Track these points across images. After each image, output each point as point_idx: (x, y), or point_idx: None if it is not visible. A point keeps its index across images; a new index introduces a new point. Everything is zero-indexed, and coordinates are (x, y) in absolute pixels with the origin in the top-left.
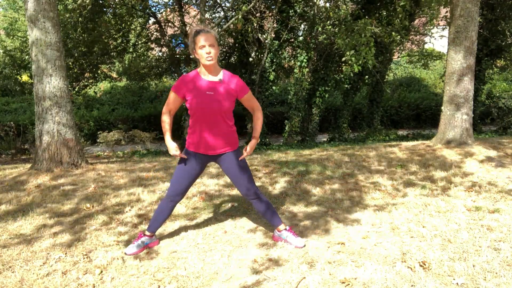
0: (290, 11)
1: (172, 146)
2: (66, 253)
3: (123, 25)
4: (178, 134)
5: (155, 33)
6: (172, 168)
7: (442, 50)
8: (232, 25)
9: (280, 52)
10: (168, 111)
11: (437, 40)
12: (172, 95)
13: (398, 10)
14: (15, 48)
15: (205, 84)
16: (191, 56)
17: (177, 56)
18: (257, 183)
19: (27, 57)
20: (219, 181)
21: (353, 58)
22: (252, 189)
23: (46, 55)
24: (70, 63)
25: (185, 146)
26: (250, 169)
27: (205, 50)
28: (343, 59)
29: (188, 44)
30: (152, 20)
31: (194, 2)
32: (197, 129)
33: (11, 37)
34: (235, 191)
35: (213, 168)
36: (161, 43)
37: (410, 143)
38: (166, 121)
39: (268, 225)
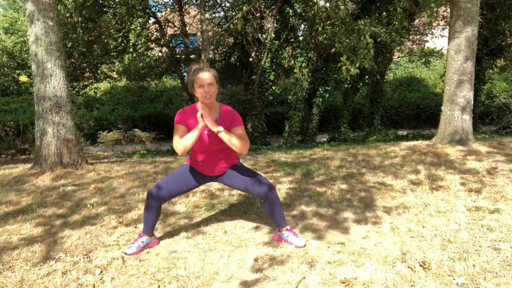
0: (290, 11)
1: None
2: (66, 253)
3: (123, 25)
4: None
5: (155, 33)
6: (172, 168)
7: (442, 50)
8: (232, 25)
9: (280, 52)
10: (180, 137)
11: (438, 39)
12: (180, 128)
13: (398, 10)
14: (14, 44)
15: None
16: (191, 57)
17: (177, 56)
18: None
19: (26, 55)
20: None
21: (348, 62)
22: (266, 184)
23: (46, 55)
24: (70, 63)
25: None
26: (253, 169)
27: (204, 89)
28: (339, 65)
29: (186, 81)
30: (152, 20)
31: (194, 2)
32: (197, 158)
33: (10, 35)
34: (235, 191)
35: None
36: (161, 43)
37: (410, 143)
38: (182, 138)
39: (268, 225)
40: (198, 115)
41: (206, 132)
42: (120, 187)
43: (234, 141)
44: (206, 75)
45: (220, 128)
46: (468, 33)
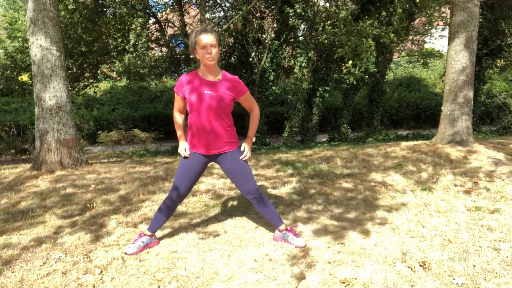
0: (290, 11)
1: (181, 146)
2: (66, 253)
3: (122, 25)
4: (174, 134)
5: (155, 33)
6: (172, 168)
7: (442, 50)
8: (232, 25)
9: (280, 52)
10: (177, 110)
11: (437, 40)
12: (175, 96)
13: (398, 10)
14: (15, 48)
15: (204, 84)
16: (191, 56)
17: (177, 56)
18: (258, 183)
19: (27, 58)
20: (219, 182)
21: (353, 69)
22: (253, 189)
23: (46, 55)
24: (70, 63)
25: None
26: (254, 170)
27: (206, 50)
28: (345, 70)
29: (189, 44)
30: (152, 20)
31: (194, 2)
32: (196, 129)
33: (12, 40)
34: (234, 191)
35: (213, 168)
36: (161, 43)
37: (410, 143)
38: (177, 120)
39: (268, 225)
40: (183, 153)
41: (206, 92)
42: (120, 187)
43: (256, 124)
44: (209, 37)
45: (253, 139)
46: (468, 33)
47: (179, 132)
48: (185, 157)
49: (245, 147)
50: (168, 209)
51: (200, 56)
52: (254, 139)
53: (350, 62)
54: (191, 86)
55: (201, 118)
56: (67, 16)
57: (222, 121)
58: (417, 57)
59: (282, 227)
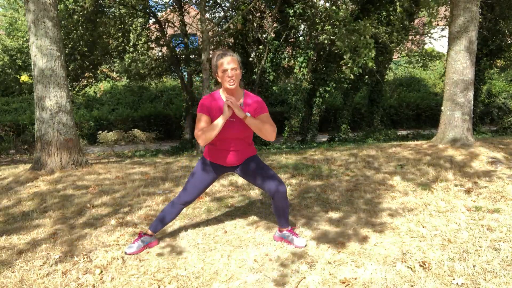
0: (290, 11)
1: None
2: (66, 253)
3: (122, 25)
4: (178, 134)
5: (156, 32)
6: (172, 168)
7: (442, 50)
8: (232, 25)
9: (280, 52)
10: (201, 129)
11: (437, 40)
12: (203, 117)
13: (398, 10)
14: (15, 48)
15: None
16: (191, 56)
17: (177, 56)
18: None
19: (27, 58)
20: (219, 182)
21: (350, 61)
22: (278, 180)
23: (46, 55)
24: (70, 63)
25: (196, 151)
26: None
27: (228, 74)
28: (342, 62)
29: (211, 67)
30: (152, 20)
31: (194, 2)
32: (217, 147)
33: (12, 37)
34: (235, 192)
35: None
36: (161, 43)
37: (410, 143)
38: (205, 127)
39: (268, 225)
40: (224, 105)
41: (230, 119)
42: (120, 187)
43: (262, 126)
44: (230, 60)
45: (248, 114)
46: (468, 33)
47: (218, 121)
48: (198, 165)
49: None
50: (174, 212)
51: (221, 79)
52: (246, 118)
53: (346, 56)
54: (215, 110)
55: (224, 142)
56: (67, 16)
57: (244, 142)
58: (417, 59)
59: (284, 228)
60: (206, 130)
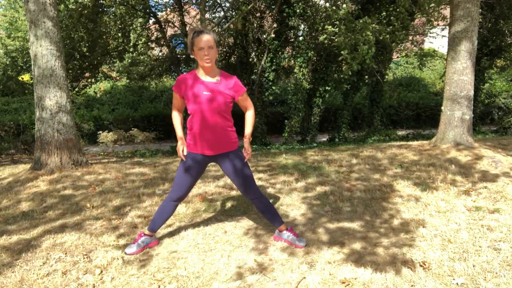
0: (290, 11)
1: (180, 147)
2: (66, 253)
3: (122, 25)
4: (174, 135)
5: (156, 32)
6: (171, 168)
7: (442, 50)
8: (232, 25)
9: (280, 52)
10: (176, 109)
11: (436, 39)
12: (174, 95)
13: (399, 9)
14: (15, 48)
15: (203, 85)
16: (191, 56)
17: (177, 56)
18: (258, 183)
19: (28, 57)
20: (219, 182)
21: (348, 56)
22: (252, 189)
23: (46, 55)
24: (70, 63)
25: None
26: (253, 170)
27: (204, 52)
28: (340, 58)
29: (188, 44)
30: (152, 20)
31: (194, 2)
32: (195, 130)
33: (13, 39)
34: (234, 192)
35: (213, 168)
36: (161, 43)
37: (410, 143)
38: (175, 119)
39: (268, 225)
40: (180, 154)
41: (204, 92)
42: (120, 187)
43: (252, 124)
44: (206, 38)
45: (249, 141)
46: (468, 33)
47: (178, 131)
48: (183, 159)
49: (246, 146)
50: (168, 209)
51: (197, 57)
52: (250, 138)
53: (344, 51)
54: (190, 88)
55: (201, 120)
56: (68, 17)
57: (222, 121)
58: (415, 58)
59: (282, 227)
60: (173, 118)
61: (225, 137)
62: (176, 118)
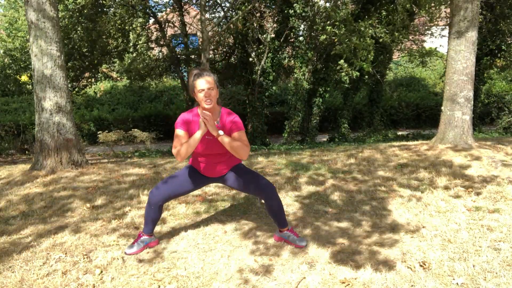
0: (290, 11)
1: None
2: (66, 253)
3: (122, 25)
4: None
5: (156, 32)
6: (171, 169)
7: (442, 50)
8: (232, 25)
9: (280, 52)
10: (180, 145)
11: (437, 39)
12: (181, 133)
13: (399, 9)
14: (15, 48)
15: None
16: (191, 57)
17: (177, 56)
18: None
19: (28, 57)
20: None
21: (346, 66)
22: (265, 183)
23: (46, 55)
24: (70, 63)
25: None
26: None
27: (204, 94)
28: (338, 67)
29: (189, 87)
30: (152, 20)
31: (194, 2)
32: (198, 160)
33: (13, 38)
34: (234, 192)
35: None
36: (161, 43)
37: (410, 143)
38: (184, 143)
39: (268, 225)
40: (200, 120)
41: (207, 137)
42: (120, 187)
43: (234, 145)
44: (206, 80)
45: (220, 132)
46: (468, 33)
47: (194, 138)
48: (185, 168)
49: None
50: (153, 213)
51: (198, 99)
52: (221, 133)
53: (342, 61)
54: (193, 129)
55: (203, 158)
56: (68, 16)
57: (224, 156)
58: (416, 57)
59: (284, 228)
60: (184, 145)
61: (228, 164)
62: (183, 144)
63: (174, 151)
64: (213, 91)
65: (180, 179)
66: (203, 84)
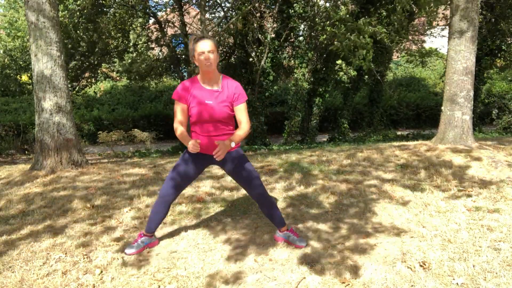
0: (290, 11)
1: (190, 142)
2: (66, 253)
3: (122, 25)
4: (174, 134)
5: (156, 32)
6: (171, 168)
7: (442, 50)
8: (232, 25)
9: (280, 52)
10: (179, 122)
11: (437, 39)
12: (178, 107)
13: (397, 9)
14: (15, 48)
15: (205, 93)
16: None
17: (177, 56)
18: None
19: (28, 57)
20: (219, 182)
21: (344, 65)
22: (258, 188)
23: (46, 55)
24: (70, 63)
25: (184, 148)
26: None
27: (204, 56)
28: (337, 67)
29: (189, 52)
30: (152, 20)
31: (194, 2)
32: (197, 133)
33: (13, 38)
34: (234, 192)
35: (212, 168)
36: (161, 43)
37: (410, 143)
38: (180, 130)
39: (268, 225)
40: (190, 145)
41: (207, 101)
42: (120, 187)
43: (243, 136)
44: (207, 43)
45: (232, 144)
46: (468, 33)
47: (185, 138)
48: (182, 157)
49: (220, 144)
50: (161, 210)
51: (198, 62)
52: (233, 145)
53: (340, 61)
54: (192, 95)
55: (203, 126)
56: (68, 16)
57: (224, 127)
58: (416, 57)
59: (283, 227)
60: (179, 133)
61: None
62: (181, 130)
63: (175, 126)
64: (213, 54)
65: (183, 169)
66: (204, 46)
